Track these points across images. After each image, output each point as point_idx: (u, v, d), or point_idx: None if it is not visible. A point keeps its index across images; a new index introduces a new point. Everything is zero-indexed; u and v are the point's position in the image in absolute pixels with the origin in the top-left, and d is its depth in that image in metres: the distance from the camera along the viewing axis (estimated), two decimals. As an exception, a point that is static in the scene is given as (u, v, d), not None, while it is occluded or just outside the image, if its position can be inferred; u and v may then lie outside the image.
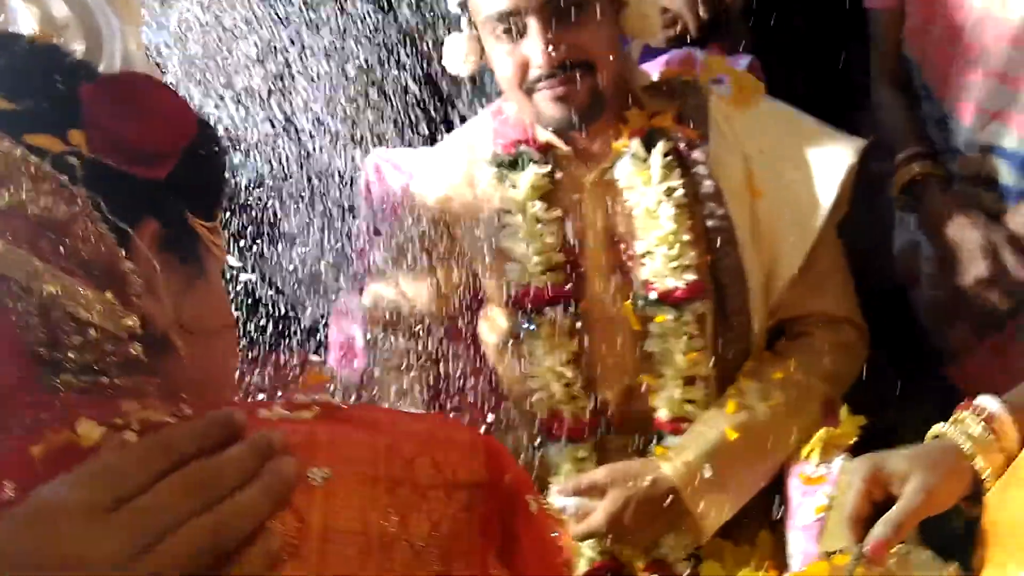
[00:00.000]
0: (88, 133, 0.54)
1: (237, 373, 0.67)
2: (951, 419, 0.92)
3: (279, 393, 0.61)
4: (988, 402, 0.90)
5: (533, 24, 1.24)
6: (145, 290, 0.56)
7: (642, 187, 1.32)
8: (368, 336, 1.51)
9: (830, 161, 1.35)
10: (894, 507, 0.85)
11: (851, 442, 1.24)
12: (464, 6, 1.32)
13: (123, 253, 0.55)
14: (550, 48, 1.23)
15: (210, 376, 0.61)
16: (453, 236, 1.47)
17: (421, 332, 1.51)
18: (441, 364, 1.52)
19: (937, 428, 0.93)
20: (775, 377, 1.33)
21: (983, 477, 0.87)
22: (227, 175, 0.67)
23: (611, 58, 1.29)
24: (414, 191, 1.51)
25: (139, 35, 0.59)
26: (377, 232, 1.59)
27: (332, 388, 1.49)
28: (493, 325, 1.47)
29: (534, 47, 1.24)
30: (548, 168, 1.36)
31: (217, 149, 0.65)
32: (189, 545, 0.44)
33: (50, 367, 0.54)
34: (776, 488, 1.32)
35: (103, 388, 0.55)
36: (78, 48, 0.57)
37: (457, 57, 1.37)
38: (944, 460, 0.88)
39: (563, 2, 1.23)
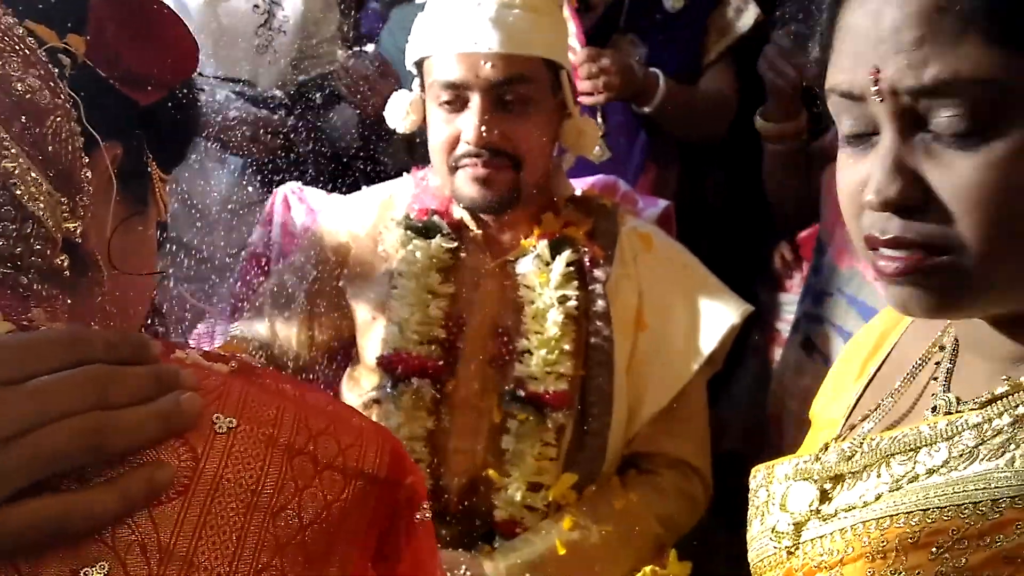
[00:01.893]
0: (89, 40, 0.57)
1: (143, 322, 0.67)
2: None
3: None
4: None
5: (476, 101, 1.31)
6: (91, 204, 0.57)
7: (539, 288, 1.38)
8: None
9: (716, 315, 1.45)
10: None
11: (674, 585, 1.26)
12: (419, 66, 1.36)
13: (86, 161, 0.56)
14: (483, 128, 1.31)
15: (120, 314, 0.62)
16: (340, 286, 1.46)
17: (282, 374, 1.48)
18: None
19: None
20: (616, 505, 1.39)
21: None
22: (194, 136, 0.70)
23: (540, 159, 1.38)
24: (316, 231, 1.51)
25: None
26: (267, 263, 1.56)
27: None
28: (355, 384, 1.47)
29: (469, 122, 1.31)
30: (454, 245, 1.41)
31: (196, 106, 0.67)
32: (64, 440, 0.45)
33: None
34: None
35: (18, 286, 0.55)
36: None
37: (399, 113, 1.40)
38: None
39: (510, 91, 1.32)
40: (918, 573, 0.62)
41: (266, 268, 1.58)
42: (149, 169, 0.63)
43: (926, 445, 0.64)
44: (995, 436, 0.61)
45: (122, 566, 0.46)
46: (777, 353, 1.86)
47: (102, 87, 0.57)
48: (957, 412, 0.65)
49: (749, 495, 0.78)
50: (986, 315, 0.64)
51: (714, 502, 1.46)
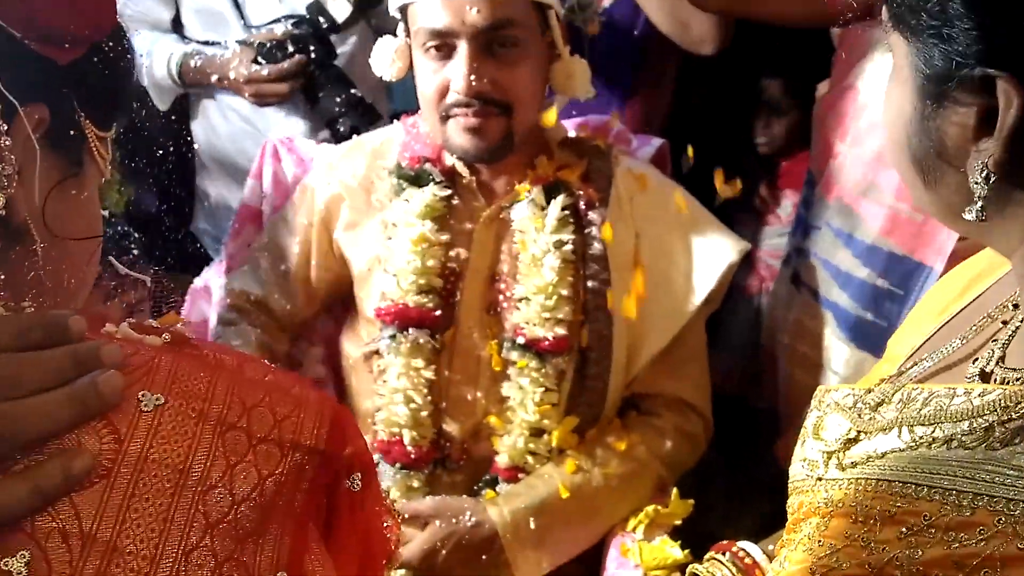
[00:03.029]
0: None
1: (90, 289, 0.65)
2: (706, 557, 0.98)
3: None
4: (751, 549, 0.95)
5: (463, 49, 1.27)
6: (16, 173, 0.54)
7: (534, 233, 1.36)
8: (221, 319, 1.47)
9: (713, 255, 1.43)
10: None
11: (676, 523, 1.29)
12: (404, 12, 1.33)
13: (4, 128, 0.54)
14: (472, 77, 1.27)
15: (61, 282, 0.59)
16: (334, 238, 1.45)
17: (277, 327, 1.48)
18: (291, 364, 1.49)
19: (695, 567, 0.97)
20: (617, 448, 1.38)
21: None
22: (132, 89, 0.66)
23: (531, 104, 1.34)
24: (307, 183, 1.50)
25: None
26: (259, 215, 1.55)
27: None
28: (355, 336, 1.46)
29: (458, 71, 1.28)
30: (447, 192, 1.39)
31: (128, 57, 0.63)
32: None
33: None
34: (596, 552, 1.36)
35: None
36: None
37: (384, 61, 1.38)
38: None
39: (497, 37, 1.27)
40: (883, 549, 0.63)
41: (259, 221, 1.57)
42: (83, 129, 0.60)
43: (949, 415, 0.64)
44: (1012, 422, 0.61)
45: (43, 555, 0.45)
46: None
47: (17, 48, 0.54)
48: (995, 383, 0.64)
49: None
50: None
51: (714, 441, 1.47)
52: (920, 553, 0.61)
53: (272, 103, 1.73)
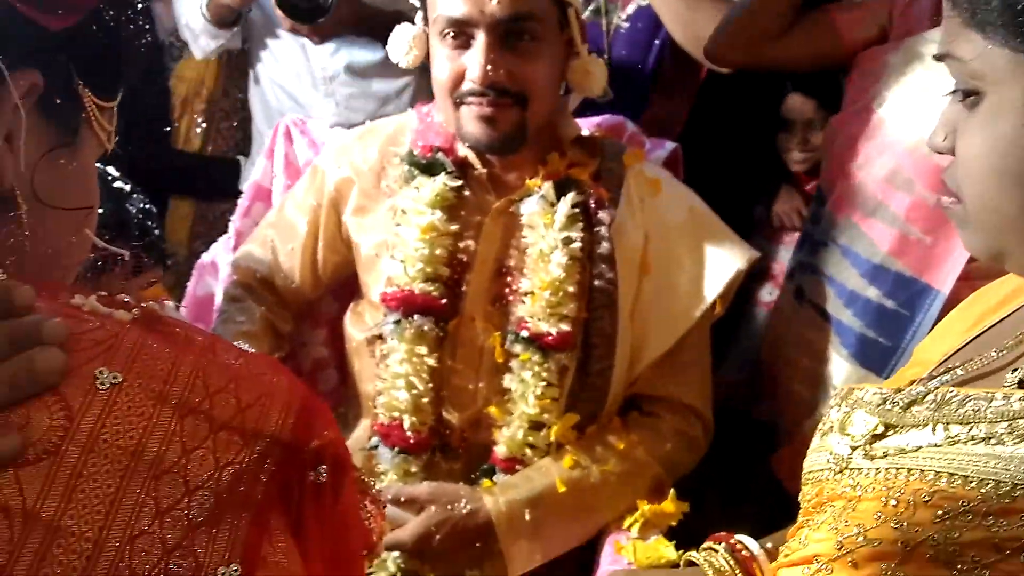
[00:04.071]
0: None
1: (80, 260, 0.63)
2: (703, 546, 0.97)
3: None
4: (749, 543, 0.95)
5: (481, 39, 1.27)
6: (4, 138, 0.53)
7: (543, 229, 1.35)
8: (226, 295, 1.47)
9: (722, 261, 1.42)
10: None
11: (671, 524, 1.29)
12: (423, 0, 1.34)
13: None
14: (489, 67, 1.26)
15: (46, 252, 0.58)
16: (343, 220, 1.46)
17: (282, 305, 1.48)
18: (294, 344, 1.49)
19: (691, 554, 0.97)
20: (616, 446, 1.37)
21: None
22: (137, 56, 0.65)
23: (546, 99, 1.33)
24: (318, 165, 1.50)
25: None
26: (268, 194, 1.56)
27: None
28: (359, 319, 1.46)
29: (475, 60, 1.27)
30: (459, 183, 1.38)
31: (131, 25, 0.62)
32: None
33: None
34: (589, 549, 1.35)
35: None
36: None
37: (401, 48, 1.38)
38: None
39: (515, 29, 1.27)
40: (917, 531, 0.64)
41: (268, 200, 1.57)
42: (80, 98, 0.58)
43: (987, 417, 0.64)
44: None
45: None
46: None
47: (7, 12, 0.52)
48: None
49: (824, 416, 0.80)
50: None
51: (712, 449, 1.46)
52: (957, 535, 0.61)
53: None
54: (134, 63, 0.64)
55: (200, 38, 1.83)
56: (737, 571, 0.93)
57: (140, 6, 0.63)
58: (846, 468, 0.72)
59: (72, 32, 0.56)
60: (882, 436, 0.71)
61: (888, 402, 0.73)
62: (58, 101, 0.57)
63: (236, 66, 2.06)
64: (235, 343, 0.57)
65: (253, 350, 0.58)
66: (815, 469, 0.77)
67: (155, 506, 0.47)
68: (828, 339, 1.53)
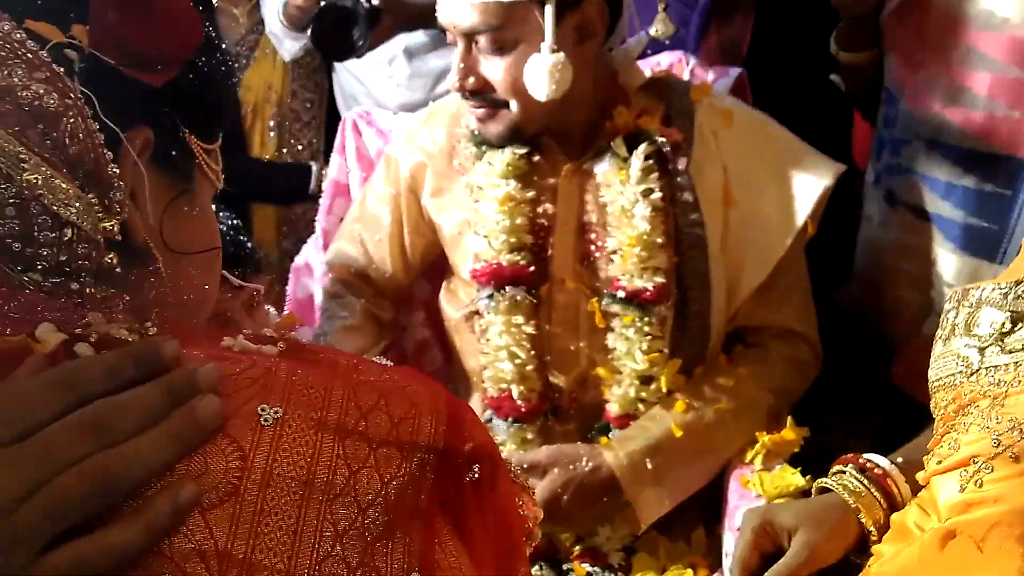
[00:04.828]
0: (91, 28, 0.54)
1: (214, 299, 0.66)
2: (833, 471, 0.96)
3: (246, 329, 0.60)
4: (880, 460, 0.94)
5: (459, 46, 1.27)
6: (128, 197, 0.55)
7: (619, 185, 1.33)
8: (326, 293, 1.51)
9: (806, 181, 1.38)
10: (780, 560, 0.90)
11: (794, 451, 1.28)
12: None
13: (110, 156, 0.54)
14: (458, 76, 1.27)
15: (184, 298, 0.60)
16: (422, 204, 1.48)
17: (380, 295, 1.52)
18: (396, 330, 1.53)
19: (822, 481, 0.96)
20: (725, 383, 1.36)
21: (868, 531, 0.91)
22: (231, 95, 0.67)
23: (528, 101, 1.27)
24: (390, 154, 1.52)
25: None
26: (347, 189, 1.59)
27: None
28: (453, 297, 1.48)
29: (452, 67, 1.28)
30: (526, 150, 1.37)
31: (223, 68, 0.64)
32: (75, 489, 0.43)
33: (21, 263, 0.52)
34: (716, 488, 1.36)
35: (71, 294, 0.53)
36: None
37: None
38: (829, 516, 0.92)
39: (488, 36, 1.24)
40: None
41: (348, 195, 1.61)
42: (189, 145, 0.60)
43: None
44: None
45: None
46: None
47: (113, 75, 0.54)
48: None
49: (940, 316, 0.78)
50: None
51: (826, 366, 1.44)
52: None
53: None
54: (229, 103, 0.66)
55: (284, 42, 1.92)
56: (872, 489, 0.92)
57: (226, 47, 0.64)
58: (981, 367, 0.70)
59: (173, 85, 0.58)
60: (1011, 331, 0.69)
61: (1010, 295, 0.71)
62: (170, 152, 0.59)
63: (302, 69, 2.11)
64: (373, 358, 0.59)
65: (390, 363, 0.59)
66: (945, 375, 0.75)
67: (334, 529, 0.48)
68: (931, 237, 1.48)
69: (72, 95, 0.52)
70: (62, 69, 0.52)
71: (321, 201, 1.63)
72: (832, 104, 1.61)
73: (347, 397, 0.52)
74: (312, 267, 1.56)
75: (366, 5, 1.65)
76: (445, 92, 1.91)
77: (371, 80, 1.99)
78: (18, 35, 0.51)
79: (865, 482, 0.93)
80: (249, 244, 1.42)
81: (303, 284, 1.57)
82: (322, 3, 1.64)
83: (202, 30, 0.59)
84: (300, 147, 2.14)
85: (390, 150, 1.52)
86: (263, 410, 0.49)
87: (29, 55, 0.51)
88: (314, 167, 1.99)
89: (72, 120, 0.52)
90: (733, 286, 1.39)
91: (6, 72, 0.51)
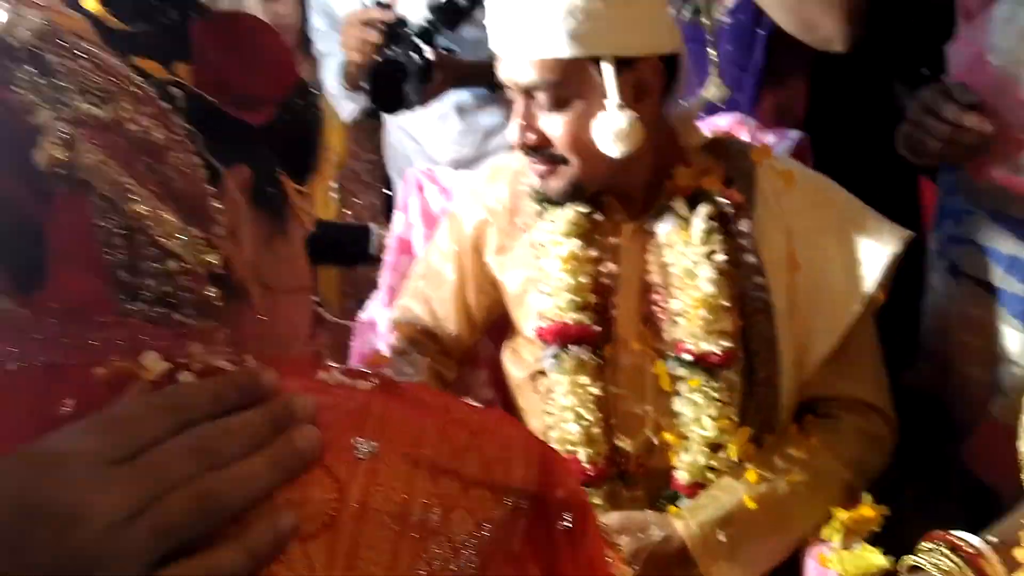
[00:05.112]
0: (194, 67, 0.56)
1: (305, 337, 0.66)
2: (920, 548, 0.92)
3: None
4: (971, 539, 0.90)
5: (518, 100, 1.27)
6: (228, 233, 0.56)
7: (682, 246, 1.32)
8: (391, 350, 1.50)
9: (873, 248, 1.35)
10: None
11: (873, 529, 1.25)
12: None
13: (212, 192, 0.55)
14: (516, 132, 1.27)
15: (279, 334, 0.61)
16: (485, 261, 1.47)
17: (445, 354, 1.51)
18: (460, 389, 1.52)
19: (911, 559, 0.92)
20: (798, 454, 1.32)
21: None
22: (320, 140, 0.68)
23: (587, 157, 1.27)
24: (453, 211, 1.52)
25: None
26: (410, 246, 1.59)
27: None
28: (517, 357, 1.46)
29: (511, 123, 1.28)
30: (589, 208, 1.37)
31: (316, 111, 0.65)
32: (182, 509, 0.43)
33: (127, 292, 0.53)
34: (789, 567, 1.31)
35: (173, 324, 0.54)
36: None
37: None
38: None
39: (543, 93, 1.24)
40: None
41: (411, 252, 1.61)
42: (283, 186, 0.61)
43: None
44: None
45: None
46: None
47: (216, 114, 0.56)
48: None
49: (1007, 395, 0.76)
50: None
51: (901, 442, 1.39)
52: None
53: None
54: (319, 146, 0.67)
55: (341, 103, 1.95)
56: (968, 570, 0.90)
57: (317, 92, 0.66)
58: None
59: (270, 125, 0.59)
60: None
61: None
62: (266, 192, 0.60)
63: (362, 131, 2.14)
64: (463, 399, 0.58)
65: (481, 406, 0.59)
66: None
67: (428, 568, 0.48)
68: (995, 312, 1.45)
69: (177, 130, 0.54)
70: (168, 105, 0.54)
71: (386, 258, 1.63)
72: (897, 167, 1.60)
73: (440, 435, 0.52)
74: (376, 323, 1.56)
75: (419, 62, 1.67)
76: (496, 148, 1.93)
77: (424, 136, 2.03)
78: (126, 71, 0.53)
79: (959, 562, 0.90)
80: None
81: (367, 340, 1.57)
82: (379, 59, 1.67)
83: (298, 73, 0.61)
84: (361, 206, 2.15)
85: (454, 207, 1.53)
86: (358, 443, 0.49)
87: (137, 90, 0.53)
88: (373, 229, 2.01)
89: (177, 155, 0.54)
90: (801, 354, 1.35)
91: (115, 106, 0.52)
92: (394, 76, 1.68)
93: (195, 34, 0.57)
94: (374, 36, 1.71)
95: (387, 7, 1.75)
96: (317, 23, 2.04)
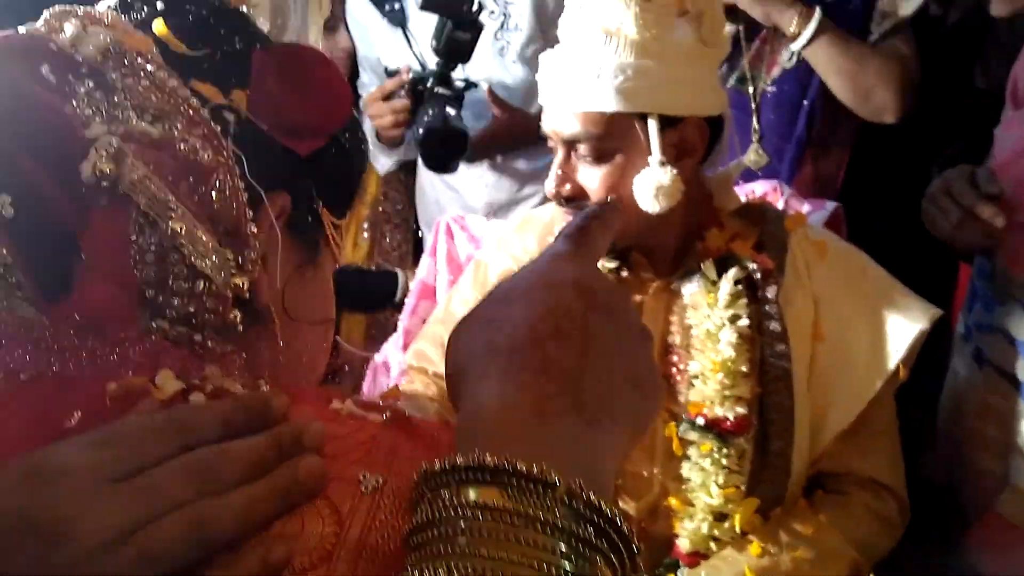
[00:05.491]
0: (250, 94, 0.57)
1: (323, 368, 0.67)
2: None
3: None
4: None
5: (559, 151, 1.29)
6: (260, 257, 0.57)
7: (706, 308, 1.31)
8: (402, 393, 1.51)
9: (900, 324, 1.33)
10: None
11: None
12: None
13: (251, 215, 0.56)
14: (554, 183, 1.28)
15: (296, 364, 0.61)
16: None
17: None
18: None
19: None
20: (804, 530, 1.29)
21: None
22: (362, 176, 0.68)
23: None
24: (479, 258, 1.53)
25: (320, 28, 0.62)
26: (434, 292, 1.61)
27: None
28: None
29: (551, 172, 1.29)
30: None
31: (362, 147, 0.66)
32: (172, 536, 0.43)
33: (151, 309, 0.54)
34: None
35: (193, 345, 0.55)
36: (263, 22, 0.60)
37: None
38: None
39: (584, 145, 1.26)
40: None
41: (433, 297, 1.62)
42: (321, 217, 0.62)
43: None
44: None
45: None
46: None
47: (264, 140, 0.57)
48: None
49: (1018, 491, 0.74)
50: None
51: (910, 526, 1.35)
52: None
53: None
54: (360, 182, 0.68)
55: (379, 157, 1.98)
56: None
57: (363, 129, 0.67)
58: None
59: (316, 156, 0.60)
60: None
61: None
62: (304, 221, 0.61)
63: (392, 174, 2.18)
64: None
65: None
66: None
67: None
68: (1017, 405, 1.40)
69: (224, 154, 0.55)
70: (219, 128, 0.55)
71: (407, 301, 1.65)
72: (930, 245, 1.57)
73: None
74: (389, 365, 1.57)
75: (460, 124, 1.72)
76: (531, 194, 1.95)
77: (459, 182, 2.05)
78: (183, 93, 0.54)
79: None
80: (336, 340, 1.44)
81: (379, 382, 1.58)
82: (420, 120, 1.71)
83: (351, 107, 0.62)
84: (391, 249, 2.18)
85: (480, 255, 1.54)
86: (364, 477, 0.49)
87: (191, 112, 0.54)
88: (400, 274, 2.04)
89: (221, 177, 0.54)
90: (817, 426, 1.33)
91: (168, 125, 0.54)
92: (446, 139, 1.71)
93: (256, 62, 0.58)
94: (400, 104, 1.75)
95: (395, 73, 1.78)
96: (365, 78, 2.07)
